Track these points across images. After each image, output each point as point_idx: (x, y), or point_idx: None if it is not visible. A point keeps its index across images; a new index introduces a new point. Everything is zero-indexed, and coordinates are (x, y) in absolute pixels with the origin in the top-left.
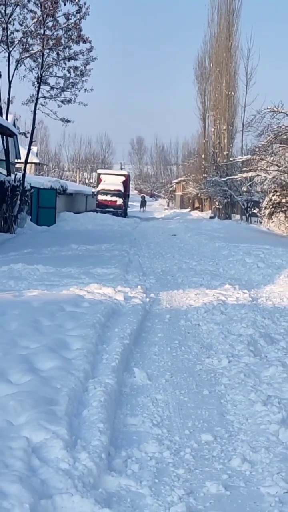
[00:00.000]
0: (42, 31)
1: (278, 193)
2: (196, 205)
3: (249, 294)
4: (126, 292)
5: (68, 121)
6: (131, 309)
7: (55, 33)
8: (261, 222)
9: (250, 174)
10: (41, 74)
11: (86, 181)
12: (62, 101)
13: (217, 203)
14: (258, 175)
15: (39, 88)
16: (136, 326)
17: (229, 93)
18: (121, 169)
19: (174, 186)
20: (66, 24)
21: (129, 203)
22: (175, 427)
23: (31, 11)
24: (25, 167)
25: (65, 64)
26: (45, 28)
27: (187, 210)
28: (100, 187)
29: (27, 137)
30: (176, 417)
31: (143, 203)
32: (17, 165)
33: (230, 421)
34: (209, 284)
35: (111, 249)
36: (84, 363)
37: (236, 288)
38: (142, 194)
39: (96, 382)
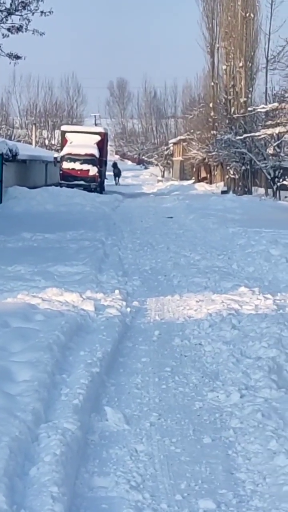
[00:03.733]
0: None
1: None
2: (203, 174)
3: (274, 300)
4: (98, 300)
5: (18, 57)
6: (104, 323)
7: None
8: None
9: (277, 129)
10: None
11: (46, 142)
12: (8, 29)
13: (231, 172)
14: None
15: None
16: (111, 348)
17: (247, 15)
18: (96, 124)
19: (172, 148)
20: None
21: (108, 173)
22: (162, 491)
23: None
24: None
25: None
26: None
27: (190, 182)
28: (66, 150)
29: None
30: (164, 476)
31: (117, 173)
32: None
33: (240, 480)
34: (217, 286)
35: (79, 239)
36: (34, 400)
37: (256, 291)
38: (114, 160)
39: (50, 428)
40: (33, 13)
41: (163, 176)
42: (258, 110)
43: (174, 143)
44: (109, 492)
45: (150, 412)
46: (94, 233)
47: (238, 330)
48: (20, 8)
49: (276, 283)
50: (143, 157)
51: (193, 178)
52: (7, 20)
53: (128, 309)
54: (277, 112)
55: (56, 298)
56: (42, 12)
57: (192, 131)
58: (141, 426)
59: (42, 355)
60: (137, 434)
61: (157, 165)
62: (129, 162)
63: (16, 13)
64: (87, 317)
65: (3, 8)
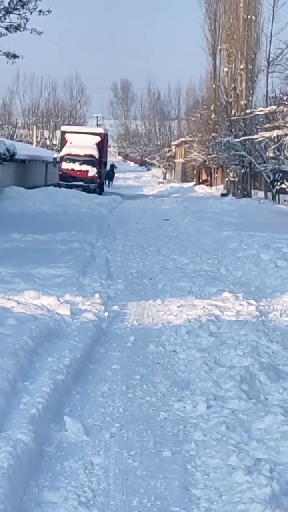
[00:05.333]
0: None
1: None
2: (204, 177)
3: (257, 306)
4: (76, 303)
5: (15, 56)
6: (78, 328)
7: None
8: None
9: (276, 132)
10: None
11: (48, 142)
12: (6, 28)
13: (231, 175)
14: None
15: None
16: (81, 354)
17: (249, 17)
18: (98, 125)
19: (174, 150)
20: None
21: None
22: (112, 507)
23: None
24: None
25: None
26: None
27: (191, 184)
28: (65, 151)
29: None
30: (117, 491)
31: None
32: None
33: (195, 497)
34: (201, 291)
35: (69, 240)
36: None
37: (239, 297)
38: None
39: (2, 439)
40: (31, 12)
41: (165, 178)
42: (257, 112)
43: (176, 145)
44: (57, 508)
45: (112, 422)
46: (85, 234)
47: (215, 337)
48: (18, 7)
49: (262, 288)
50: (146, 158)
51: (195, 180)
52: (5, 19)
53: (106, 314)
54: (275, 115)
55: (32, 301)
56: (40, 11)
57: (194, 133)
58: (100, 437)
59: (6, 361)
60: (95, 446)
61: (159, 166)
62: (132, 163)
63: (15, 12)
64: (62, 322)
65: (1, 6)
